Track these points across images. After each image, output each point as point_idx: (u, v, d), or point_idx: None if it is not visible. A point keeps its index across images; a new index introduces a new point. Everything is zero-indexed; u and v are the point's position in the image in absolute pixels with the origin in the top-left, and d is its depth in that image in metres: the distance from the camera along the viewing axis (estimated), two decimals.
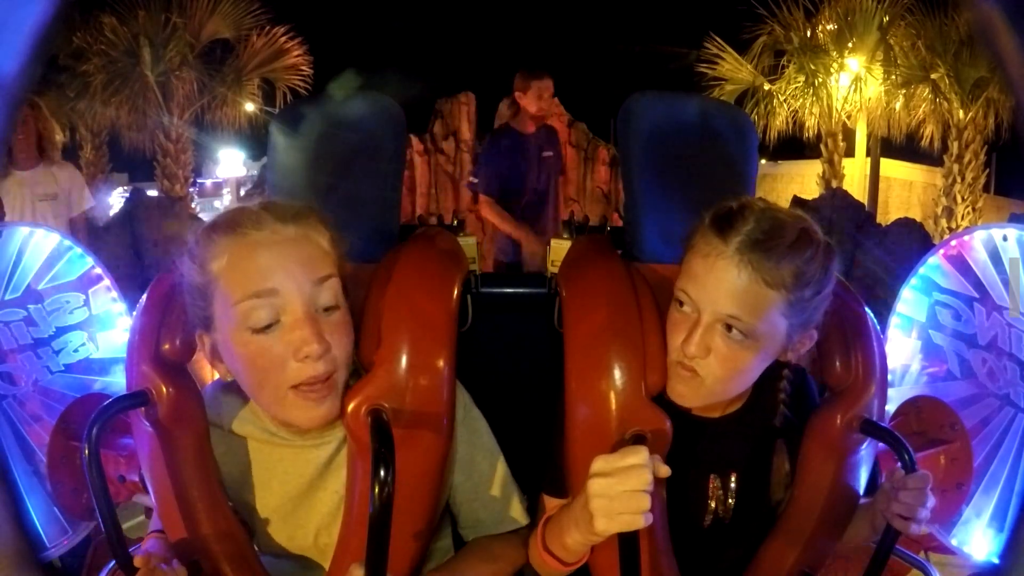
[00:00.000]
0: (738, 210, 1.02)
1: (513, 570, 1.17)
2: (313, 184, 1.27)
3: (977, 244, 1.77)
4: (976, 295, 1.77)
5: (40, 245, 1.83)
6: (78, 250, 1.88)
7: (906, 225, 5.38)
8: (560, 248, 1.43)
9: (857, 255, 5.02)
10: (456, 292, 1.12)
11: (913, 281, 1.92)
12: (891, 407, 1.66)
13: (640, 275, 1.16)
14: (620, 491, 0.91)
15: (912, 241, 5.18)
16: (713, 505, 1.15)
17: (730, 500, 1.15)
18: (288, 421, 1.04)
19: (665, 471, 0.96)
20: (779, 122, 9.08)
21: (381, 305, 1.07)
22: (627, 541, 0.93)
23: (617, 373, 1.05)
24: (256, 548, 1.13)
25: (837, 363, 1.14)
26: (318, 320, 0.96)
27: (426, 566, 1.15)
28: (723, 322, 1.00)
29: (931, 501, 1.04)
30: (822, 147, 9.22)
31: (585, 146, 5.76)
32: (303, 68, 9.00)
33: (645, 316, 1.08)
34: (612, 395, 1.05)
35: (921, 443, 1.63)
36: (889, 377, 1.27)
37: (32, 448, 1.72)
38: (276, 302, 0.95)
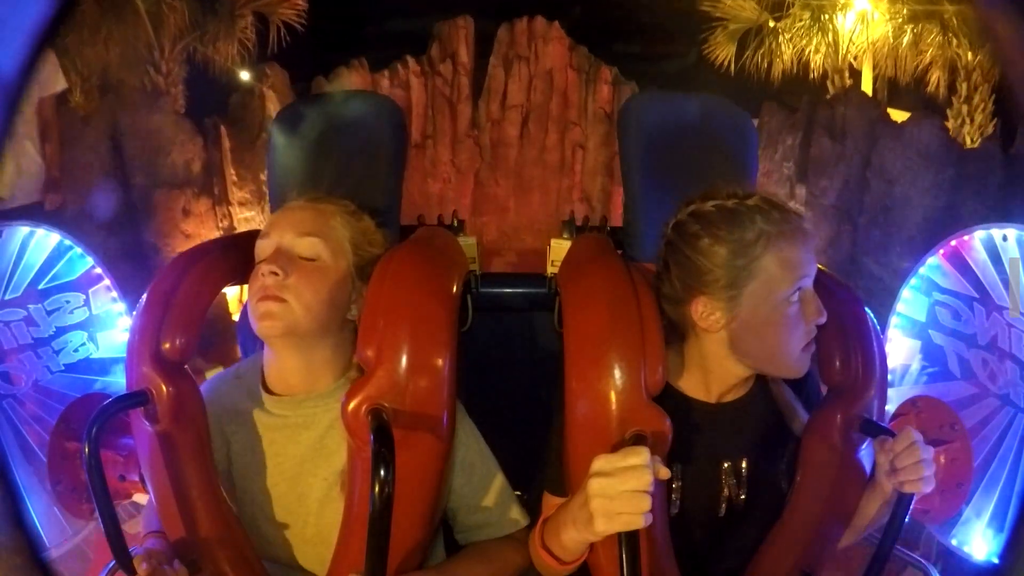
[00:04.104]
0: (769, 196, 1.11)
1: (510, 573, 1.17)
2: (313, 184, 1.27)
3: (977, 244, 1.78)
4: (976, 295, 1.77)
5: (40, 245, 1.83)
6: (78, 250, 1.89)
7: (922, 121, 5.27)
8: (560, 248, 1.43)
9: (873, 153, 4.97)
10: (456, 291, 1.12)
11: (913, 281, 1.93)
12: (891, 407, 1.67)
13: (640, 275, 1.16)
14: (620, 491, 0.91)
15: (931, 136, 5.07)
16: (726, 492, 1.16)
17: (742, 486, 1.16)
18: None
19: (665, 473, 0.96)
20: (785, 60, 8.87)
21: (381, 304, 1.07)
22: (629, 541, 0.92)
23: (617, 373, 1.04)
24: (256, 547, 1.13)
25: (837, 363, 1.14)
26: (287, 257, 1.12)
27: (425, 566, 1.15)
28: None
29: (928, 452, 1.04)
30: (828, 84, 9.03)
31: (587, 69, 5.67)
32: (298, 2, 8.86)
33: (645, 316, 1.08)
34: (612, 395, 1.04)
35: None
36: (889, 377, 1.27)
37: (32, 448, 1.72)
38: (268, 242, 1.14)
